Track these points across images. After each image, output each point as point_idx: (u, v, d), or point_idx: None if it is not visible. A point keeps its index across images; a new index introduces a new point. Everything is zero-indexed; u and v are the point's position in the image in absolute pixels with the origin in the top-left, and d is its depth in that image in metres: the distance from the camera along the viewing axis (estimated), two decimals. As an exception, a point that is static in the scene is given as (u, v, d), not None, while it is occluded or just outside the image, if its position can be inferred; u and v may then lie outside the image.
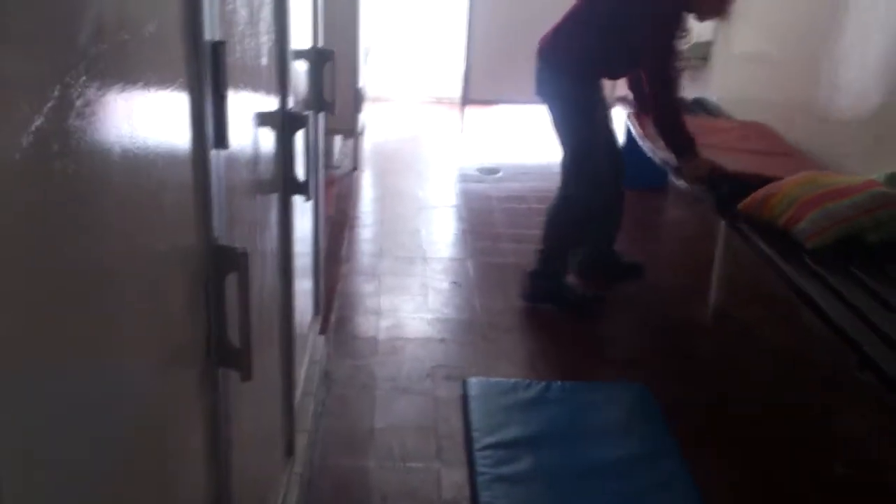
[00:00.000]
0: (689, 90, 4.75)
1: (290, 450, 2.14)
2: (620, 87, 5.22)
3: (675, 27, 3.14)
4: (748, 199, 2.88)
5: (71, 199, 0.73)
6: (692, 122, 3.29)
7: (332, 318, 3.23)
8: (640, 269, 3.68)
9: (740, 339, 3.24)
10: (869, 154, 2.95)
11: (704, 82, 4.61)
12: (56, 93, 0.67)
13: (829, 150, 3.20)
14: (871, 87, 3.00)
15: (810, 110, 3.39)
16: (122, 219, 0.86)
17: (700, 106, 4.37)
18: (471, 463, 2.40)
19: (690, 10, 3.18)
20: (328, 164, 4.60)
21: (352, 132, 5.02)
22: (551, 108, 3.34)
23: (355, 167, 5.06)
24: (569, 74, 3.27)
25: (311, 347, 2.65)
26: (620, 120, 4.78)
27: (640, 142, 3.80)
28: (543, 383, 2.75)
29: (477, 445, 2.44)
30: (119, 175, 0.84)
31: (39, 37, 0.65)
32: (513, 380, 2.79)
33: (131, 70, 0.86)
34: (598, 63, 3.29)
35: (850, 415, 2.76)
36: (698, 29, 4.62)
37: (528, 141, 5.68)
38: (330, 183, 4.50)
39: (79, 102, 0.71)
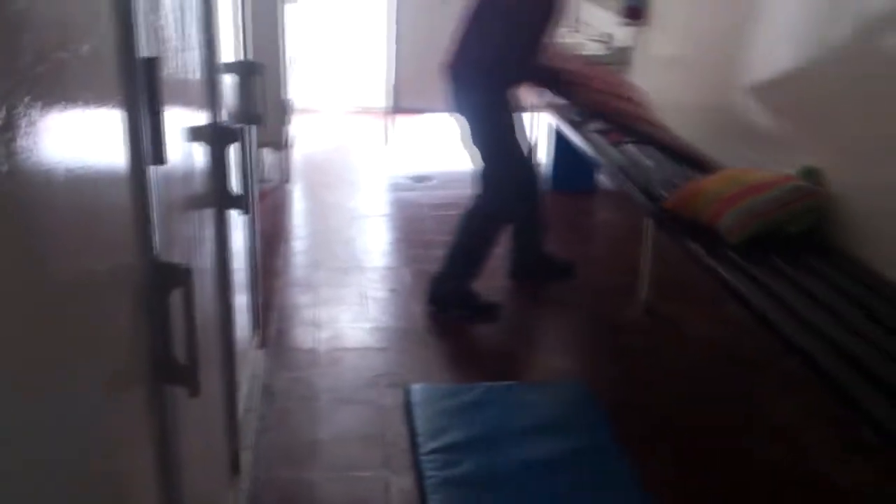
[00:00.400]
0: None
1: (235, 466, 2.12)
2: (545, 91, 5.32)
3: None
4: (673, 198, 2.97)
5: (16, 221, 0.73)
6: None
7: (271, 331, 3.22)
8: (571, 268, 3.76)
9: (671, 334, 3.33)
10: (783, 151, 3.07)
11: (626, 85, 4.72)
12: (2, 114, 0.67)
13: (745, 149, 3.32)
14: (782, 88, 3.13)
15: (726, 112, 3.51)
16: (66, 239, 0.86)
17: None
18: (417, 468, 2.42)
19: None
20: (258, 178, 4.56)
21: (280, 144, 4.99)
22: (466, 121, 3.39)
23: (286, 179, 5.03)
24: (477, 87, 3.33)
25: (251, 362, 2.64)
26: (545, 124, 4.89)
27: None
28: (485, 386, 2.78)
29: (422, 450, 2.46)
30: (62, 195, 0.84)
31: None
32: (455, 384, 2.81)
33: (70, 90, 0.86)
34: (499, 71, 3.34)
35: (778, 401, 2.86)
36: (619, 35, 4.74)
37: (457, 149, 5.73)
38: (261, 196, 4.46)
39: (23, 123, 0.72)
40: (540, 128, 5.33)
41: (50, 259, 0.82)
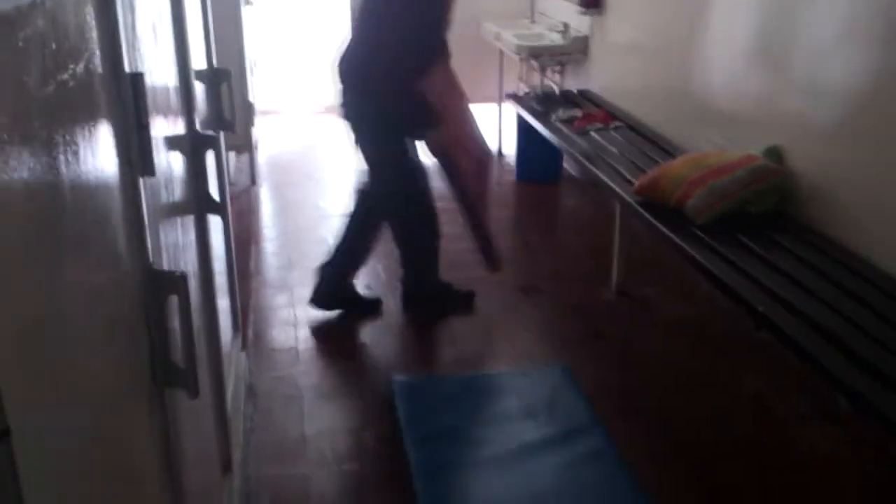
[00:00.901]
0: (571, 83, 4.94)
1: (227, 465, 2.15)
2: (507, 83, 5.38)
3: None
4: (640, 182, 3.04)
5: (28, 235, 0.76)
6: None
7: (249, 333, 3.24)
8: (471, 299, 3.49)
9: (645, 314, 3.41)
10: (744, 132, 3.15)
11: (586, 75, 4.80)
12: (17, 134, 0.70)
13: (707, 132, 3.40)
14: (738, 73, 3.21)
15: (686, 96, 3.60)
16: (72, 253, 0.89)
17: (584, 98, 4.54)
18: (405, 458, 2.47)
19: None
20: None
21: (246, 147, 5.00)
22: (358, 130, 3.27)
23: (253, 182, 5.04)
24: (371, 96, 3.17)
25: (234, 364, 2.66)
26: (509, 115, 4.94)
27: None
28: (468, 375, 2.84)
29: (409, 440, 2.51)
30: (69, 210, 0.87)
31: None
32: (437, 375, 2.86)
33: (70, 108, 0.90)
34: (392, 80, 3.13)
35: (752, 375, 2.95)
36: (575, 24, 4.81)
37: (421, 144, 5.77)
38: (230, 199, 4.47)
39: (34, 141, 0.75)
40: (504, 118, 5.39)
41: (56, 272, 0.85)
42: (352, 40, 3.26)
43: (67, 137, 0.87)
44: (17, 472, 0.61)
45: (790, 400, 2.79)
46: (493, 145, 5.43)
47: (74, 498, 0.85)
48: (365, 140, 3.27)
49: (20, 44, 0.73)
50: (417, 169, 3.31)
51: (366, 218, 3.37)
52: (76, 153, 0.90)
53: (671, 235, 2.77)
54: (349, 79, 3.21)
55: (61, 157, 0.84)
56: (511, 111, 4.88)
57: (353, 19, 3.31)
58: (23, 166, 0.73)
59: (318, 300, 3.37)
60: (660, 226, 2.85)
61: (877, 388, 1.93)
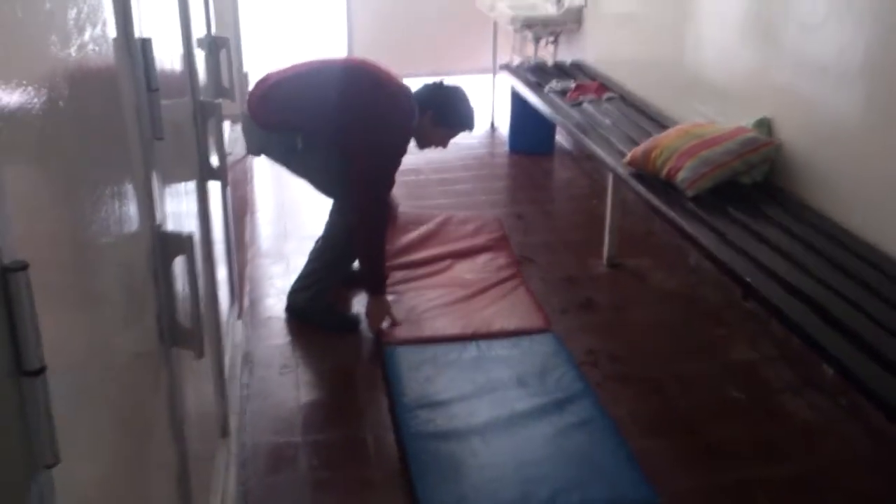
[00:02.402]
0: (565, 54, 4.96)
1: (224, 431, 2.20)
2: (501, 54, 5.39)
3: (396, 156, 2.97)
4: (632, 154, 3.08)
5: (56, 199, 0.79)
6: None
7: (245, 302, 3.27)
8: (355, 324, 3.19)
9: (636, 285, 3.45)
10: (732, 104, 3.19)
11: (580, 46, 4.81)
12: (44, 95, 0.73)
13: (698, 104, 3.43)
14: (730, 46, 3.24)
15: (679, 68, 3.62)
16: (93, 213, 0.93)
17: (578, 69, 4.56)
18: (398, 426, 2.51)
19: (415, 141, 3.13)
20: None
21: (241, 117, 4.99)
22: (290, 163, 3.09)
23: (248, 152, 5.04)
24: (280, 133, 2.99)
25: (231, 332, 2.70)
26: (502, 86, 4.96)
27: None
28: (460, 344, 2.88)
29: (402, 409, 2.55)
30: (90, 171, 0.90)
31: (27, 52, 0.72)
32: (430, 344, 2.90)
33: (87, 70, 0.92)
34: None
35: (740, 344, 3.01)
36: (570, -5, 4.81)
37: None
38: (224, 170, 4.47)
39: (61, 103, 0.78)
40: (497, 90, 5.41)
41: (81, 223, 0.88)
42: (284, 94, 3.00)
43: (86, 99, 0.90)
44: (50, 404, 0.65)
45: (777, 368, 2.85)
46: (486, 117, 5.45)
47: (95, 437, 0.89)
48: (303, 169, 3.09)
49: (47, 5, 0.75)
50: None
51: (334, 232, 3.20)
52: (94, 114, 0.93)
53: (662, 207, 2.81)
54: (264, 118, 3.00)
55: (81, 117, 0.87)
56: (505, 82, 4.89)
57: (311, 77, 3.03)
58: (50, 125, 0.76)
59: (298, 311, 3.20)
60: (651, 197, 2.89)
61: (861, 358, 1.98)
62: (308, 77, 3.08)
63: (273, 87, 3.04)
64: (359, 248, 3.04)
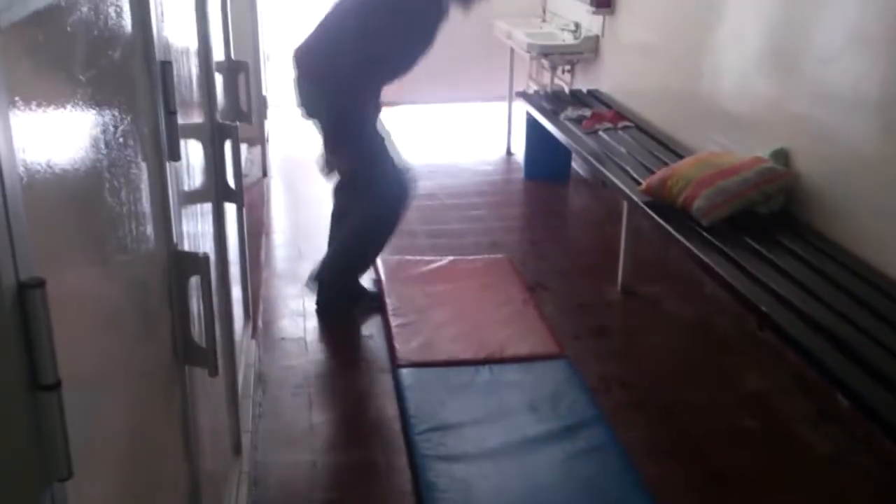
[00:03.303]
0: (581, 82, 4.98)
1: (237, 448, 2.21)
2: (518, 81, 5.42)
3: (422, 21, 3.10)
4: (647, 182, 3.08)
5: (73, 218, 0.81)
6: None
7: (259, 322, 3.29)
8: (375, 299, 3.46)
9: (649, 313, 3.45)
10: (749, 134, 3.19)
11: (596, 75, 4.83)
12: (66, 118, 0.75)
13: (711, 135, 3.44)
14: (747, 75, 3.25)
15: (696, 97, 3.63)
16: (110, 232, 0.94)
17: (594, 97, 4.58)
18: (410, 448, 2.51)
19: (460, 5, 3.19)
20: (238, 173, 4.61)
21: (258, 140, 5.05)
22: (321, 124, 3.21)
23: (264, 174, 5.09)
24: (336, 87, 3.08)
25: (244, 352, 2.71)
26: (518, 113, 4.98)
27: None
28: (473, 367, 2.88)
29: (415, 431, 2.55)
30: (108, 190, 0.92)
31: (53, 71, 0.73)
32: (444, 367, 2.90)
33: (107, 92, 0.94)
34: (364, 70, 3.09)
35: (754, 374, 2.99)
36: (587, 23, 4.85)
37: (434, 140, 5.82)
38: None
39: (80, 125, 0.80)
40: (514, 117, 5.43)
41: (97, 242, 0.90)
42: (318, 32, 3.15)
43: (106, 120, 0.92)
44: (65, 418, 0.66)
45: (791, 399, 2.83)
46: (502, 144, 5.48)
47: (109, 452, 0.90)
48: (329, 134, 3.20)
49: (68, 28, 0.77)
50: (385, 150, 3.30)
51: (347, 214, 3.34)
52: (113, 136, 0.95)
53: (677, 235, 2.81)
54: (311, 65, 3.12)
55: (101, 139, 0.89)
56: (521, 109, 4.91)
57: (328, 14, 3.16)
58: (71, 146, 0.78)
59: (326, 307, 3.35)
60: (666, 225, 2.89)
61: (877, 390, 1.97)
62: (331, 12, 3.17)
63: (311, 39, 3.15)
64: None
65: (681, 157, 3.39)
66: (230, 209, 2.23)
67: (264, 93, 5.07)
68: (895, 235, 2.48)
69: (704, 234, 2.78)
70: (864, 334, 2.18)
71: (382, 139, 3.29)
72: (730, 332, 3.24)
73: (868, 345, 2.13)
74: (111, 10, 0.97)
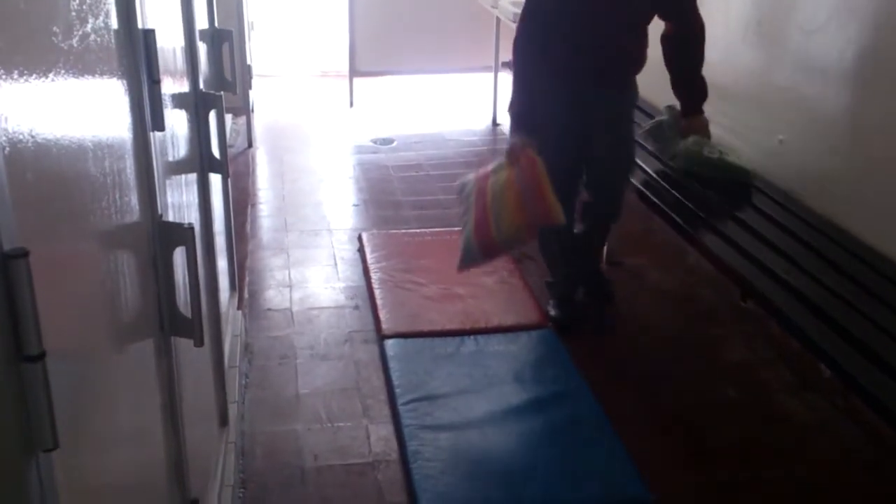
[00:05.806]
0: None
1: (223, 419, 2.21)
2: (504, 52, 5.38)
3: None
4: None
5: (57, 188, 0.80)
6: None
7: (245, 293, 3.29)
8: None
9: (634, 284, 3.46)
10: (732, 104, 3.19)
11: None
12: (48, 86, 0.74)
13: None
14: (733, 48, 3.24)
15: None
16: (94, 203, 0.94)
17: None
18: (396, 417, 2.53)
19: None
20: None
21: (243, 110, 5.01)
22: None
23: (250, 144, 5.06)
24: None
25: (230, 322, 2.71)
26: (509, 82, 4.96)
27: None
28: (458, 338, 2.89)
29: (400, 401, 2.56)
30: (91, 160, 0.91)
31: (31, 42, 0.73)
32: (429, 338, 2.91)
33: (89, 61, 0.93)
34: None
35: (737, 344, 3.02)
36: None
37: (419, 111, 5.79)
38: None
39: (62, 93, 0.79)
40: (500, 87, 5.41)
41: (80, 223, 0.89)
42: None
43: (88, 89, 0.91)
44: (49, 389, 0.66)
45: (774, 369, 2.86)
46: (488, 114, 5.46)
47: (94, 423, 0.90)
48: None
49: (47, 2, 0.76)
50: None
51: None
52: (96, 105, 0.94)
53: (661, 205, 2.82)
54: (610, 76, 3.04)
55: (84, 108, 0.88)
56: (507, 80, 4.89)
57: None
58: (51, 115, 0.77)
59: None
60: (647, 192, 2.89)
61: (858, 359, 1.99)
62: None
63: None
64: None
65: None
66: (215, 180, 2.22)
67: (249, 62, 5.02)
68: (872, 204, 2.50)
69: (688, 204, 2.79)
70: (847, 304, 2.20)
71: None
72: (713, 304, 3.26)
73: (850, 314, 2.15)
74: (91, -23, 0.96)
